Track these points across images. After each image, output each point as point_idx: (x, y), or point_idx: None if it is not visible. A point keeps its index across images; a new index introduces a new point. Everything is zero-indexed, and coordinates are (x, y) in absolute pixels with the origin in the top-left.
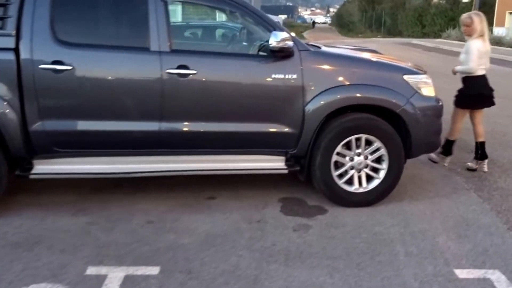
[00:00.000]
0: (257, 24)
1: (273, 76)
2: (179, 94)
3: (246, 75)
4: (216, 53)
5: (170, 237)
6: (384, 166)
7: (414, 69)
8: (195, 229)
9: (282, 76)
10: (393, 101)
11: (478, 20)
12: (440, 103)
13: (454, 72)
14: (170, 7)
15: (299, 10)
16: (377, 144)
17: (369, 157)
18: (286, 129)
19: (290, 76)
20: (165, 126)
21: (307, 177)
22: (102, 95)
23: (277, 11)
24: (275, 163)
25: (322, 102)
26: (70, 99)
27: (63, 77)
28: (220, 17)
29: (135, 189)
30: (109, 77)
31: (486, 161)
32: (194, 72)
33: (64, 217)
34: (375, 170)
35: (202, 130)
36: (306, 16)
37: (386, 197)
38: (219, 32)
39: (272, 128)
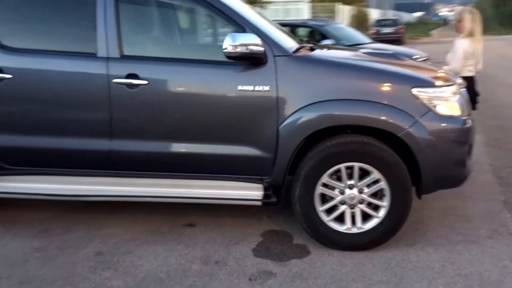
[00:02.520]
0: (225, 24)
1: (240, 87)
2: (129, 108)
3: (206, 87)
4: (173, 60)
5: (105, 275)
6: (384, 202)
7: (430, 80)
8: (139, 266)
9: (250, 87)
10: (393, 121)
11: (469, 18)
12: (466, 125)
13: None
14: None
15: (437, 7)
16: (374, 175)
17: (365, 190)
18: (257, 153)
19: (261, 88)
20: (115, 145)
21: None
22: (45, 108)
23: (412, 8)
24: (251, 192)
25: (301, 121)
26: (11, 112)
27: (3, 87)
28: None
29: (115, 207)
30: (53, 88)
31: None
32: (144, 82)
33: (19, 239)
34: (375, 207)
35: (156, 151)
36: (443, 14)
37: (387, 241)
38: (186, 33)
39: (240, 151)
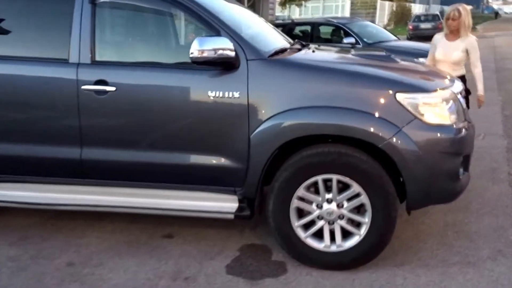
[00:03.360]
0: (198, 26)
1: (209, 93)
2: (98, 116)
3: (175, 93)
4: (142, 65)
5: None
6: (366, 218)
7: (417, 85)
8: (107, 280)
9: (220, 93)
10: (373, 131)
11: (467, 13)
12: (459, 134)
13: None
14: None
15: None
16: (354, 188)
17: (345, 205)
18: (229, 163)
19: (231, 94)
20: (86, 153)
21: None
22: (16, 116)
23: (459, 1)
24: (225, 204)
25: (273, 130)
26: None
27: None
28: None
29: (98, 215)
30: (24, 94)
31: None
32: (113, 89)
33: None
34: (357, 223)
35: (126, 160)
36: (496, 6)
37: (371, 260)
38: (159, 37)
39: (212, 161)
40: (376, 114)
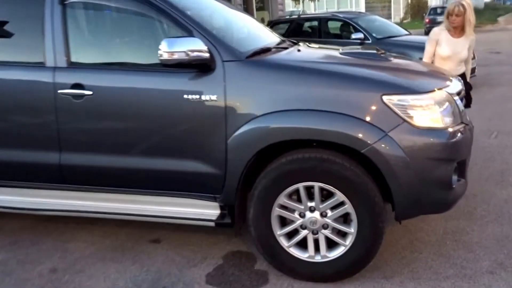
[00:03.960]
0: (171, 27)
1: (185, 97)
2: (75, 120)
3: (151, 96)
4: (118, 68)
5: None
6: (351, 229)
7: (407, 86)
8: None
9: (196, 97)
10: (355, 135)
11: (469, 8)
12: (453, 139)
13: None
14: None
15: None
16: (338, 197)
17: (329, 214)
18: (207, 169)
19: (207, 97)
20: (65, 159)
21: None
22: None
23: None
24: (207, 211)
25: (250, 134)
26: None
27: None
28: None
29: (89, 218)
30: (3, 100)
31: None
32: (89, 93)
33: None
34: (343, 233)
35: (104, 165)
36: None
37: (357, 272)
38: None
39: (190, 167)
40: (360, 118)
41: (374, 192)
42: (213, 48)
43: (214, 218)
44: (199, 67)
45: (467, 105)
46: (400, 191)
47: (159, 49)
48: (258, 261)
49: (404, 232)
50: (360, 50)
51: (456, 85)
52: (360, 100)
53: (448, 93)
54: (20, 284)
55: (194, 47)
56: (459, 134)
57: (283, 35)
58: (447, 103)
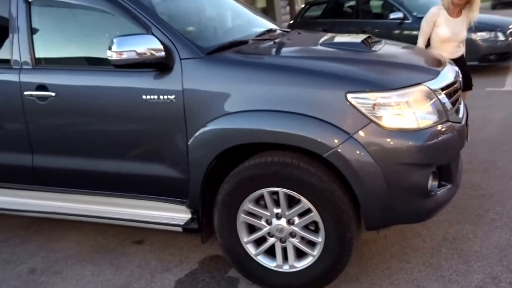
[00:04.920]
0: (130, 24)
1: (144, 97)
2: (42, 122)
3: (111, 97)
4: (80, 69)
5: None
6: (319, 238)
7: (376, 82)
8: None
9: (154, 97)
10: (316, 138)
11: None
12: (431, 140)
13: None
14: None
15: None
16: (304, 204)
17: (296, 221)
18: (171, 173)
19: (165, 98)
20: (37, 160)
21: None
22: None
23: None
24: (178, 215)
25: (208, 137)
26: None
27: None
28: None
29: None
30: None
31: None
32: (52, 94)
33: None
34: (312, 242)
35: (73, 168)
36: None
37: (326, 285)
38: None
39: (154, 170)
40: (322, 119)
41: (341, 200)
42: (172, 45)
43: (182, 223)
44: (157, 66)
45: (468, 87)
46: (367, 199)
47: (108, 49)
48: (233, 268)
49: (398, 238)
50: (343, 40)
51: (445, 78)
52: (322, 99)
53: (430, 88)
54: None
55: (146, 45)
56: (439, 135)
57: (318, 16)
58: (426, 100)
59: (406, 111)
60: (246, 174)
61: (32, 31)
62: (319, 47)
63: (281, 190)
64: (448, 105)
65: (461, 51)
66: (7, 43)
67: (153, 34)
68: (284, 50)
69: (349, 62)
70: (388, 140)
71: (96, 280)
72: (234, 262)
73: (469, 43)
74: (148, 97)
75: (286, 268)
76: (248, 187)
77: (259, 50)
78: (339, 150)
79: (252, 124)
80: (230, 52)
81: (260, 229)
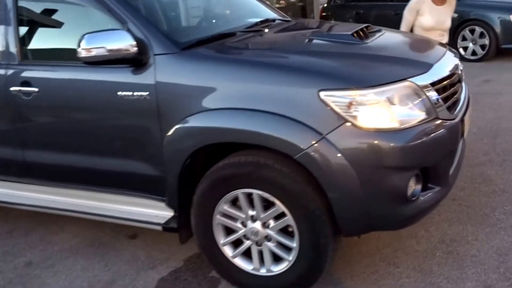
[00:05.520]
0: (108, 18)
1: (119, 94)
2: (28, 118)
3: (88, 93)
4: (60, 65)
5: None
6: (294, 243)
7: (350, 78)
8: (45, 285)
9: (129, 94)
10: (287, 139)
11: None
12: (411, 142)
13: None
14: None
15: None
16: (278, 207)
17: (271, 224)
18: (148, 170)
19: (139, 95)
20: (28, 155)
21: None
22: None
23: None
24: (161, 212)
25: (180, 136)
26: None
27: None
28: None
29: None
30: None
31: None
32: (35, 90)
33: None
34: (286, 247)
35: (59, 163)
36: None
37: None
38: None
39: (132, 167)
40: (295, 118)
41: (315, 204)
42: (147, 40)
43: (163, 221)
44: (131, 62)
45: None
46: (341, 204)
47: (78, 46)
48: None
49: (392, 239)
50: (333, 32)
51: (438, 71)
52: (295, 97)
53: (417, 84)
54: None
55: (117, 41)
56: (424, 136)
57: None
58: (410, 97)
59: (385, 110)
60: (220, 175)
61: (18, 26)
62: (305, 40)
63: (255, 192)
64: (439, 101)
65: (444, 40)
66: None
67: (129, 28)
68: (267, 44)
69: (328, 57)
70: (364, 141)
71: (85, 275)
72: (212, 263)
73: (505, 25)
74: (123, 93)
75: (263, 271)
76: (222, 188)
77: (239, 44)
78: (311, 152)
79: (222, 123)
80: (206, 47)
81: (236, 231)
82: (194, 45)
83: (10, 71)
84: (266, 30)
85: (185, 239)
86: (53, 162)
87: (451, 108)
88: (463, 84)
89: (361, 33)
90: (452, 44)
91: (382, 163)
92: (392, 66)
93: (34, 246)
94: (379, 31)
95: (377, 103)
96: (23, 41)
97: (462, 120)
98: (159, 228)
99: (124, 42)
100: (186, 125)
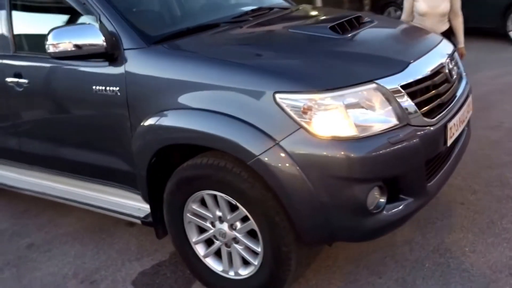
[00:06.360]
0: (82, 12)
1: (94, 88)
2: (22, 108)
3: (68, 87)
4: (46, 57)
5: (4, 275)
6: (259, 248)
7: (306, 80)
8: (37, 270)
9: (102, 88)
10: (240, 143)
11: None
12: (373, 152)
13: None
14: None
15: None
16: (241, 210)
17: (238, 227)
18: (123, 165)
19: (111, 90)
20: (23, 143)
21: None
22: None
23: None
24: (143, 205)
25: (146, 133)
26: None
27: None
28: None
29: None
30: None
31: None
32: (26, 81)
33: None
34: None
35: (49, 154)
36: None
37: None
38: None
39: (110, 161)
40: (250, 122)
41: (275, 211)
42: (117, 34)
43: (143, 215)
44: (103, 57)
45: None
46: (296, 213)
47: (45, 40)
48: None
49: (385, 243)
50: (313, 25)
51: (416, 71)
52: (251, 99)
53: (384, 86)
54: None
55: (85, 36)
56: (388, 145)
57: None
58: (375, 102)
59: (343, 116)
60: (184, 175)
61: (12, 17)
62: (280, 34)
63: (218, 194)
64: (412, 106)
65: (444, 26)
66: None
67: (101, 22)
68: (238, 39)
69: (292, 55)
70: (319, 150)
71: (75, 262)
72: (184, 261)
73: None
74: (97, 88)
75: (231, 274)
76: (187, 188)
77: (211, 38)
78: (264, 158)
79: (178, 123)
80: (176, 42)
81: (207, 230)
82: (167, 39)
83: (6, 62)
84: (251, 22)
85: (162, 235)
86: (44, 152)
87: (432, 112)
88: (463, 80)
89: (346, 25)
90: (501, 28)
91: (338, 174)
92: (359, 66)
93: (41, 227)
94: (370, 22)
95: (335, 109)
96: (16, 32)
97: (445, 125)
98: (139, 222)
99: (92, 37)
100: (148, 123)
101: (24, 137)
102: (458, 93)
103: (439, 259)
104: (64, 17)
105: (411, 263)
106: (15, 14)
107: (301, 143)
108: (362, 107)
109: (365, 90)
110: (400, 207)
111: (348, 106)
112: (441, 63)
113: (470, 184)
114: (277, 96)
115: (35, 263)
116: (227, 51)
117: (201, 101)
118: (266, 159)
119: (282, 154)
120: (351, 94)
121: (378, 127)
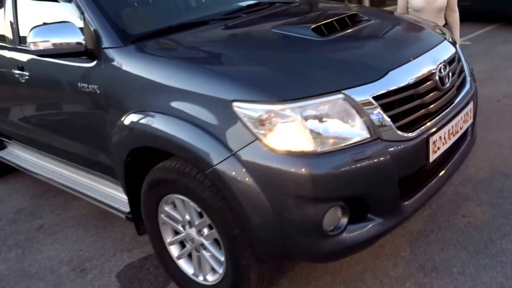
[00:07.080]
0: (74, 8)
1: (79, 85)
2: (25, 99)
3: (60, 83)
4: None
5: (11, 255)
6: (222, 257)
7: (264, 89)
8: (39, 252)
9: (85, 85)
10: (197, 152)
11: None
12: (334, 170)
13: None
14: None
15: None
16: (206, 218)
17: (205, 233)
18: (106, 160)
19: (91, 88)
20: (32, 131)
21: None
22: None
23: None
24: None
25: (120, 133)
26: None
27: None
28: None
29: None
30: None
31: None
32: (27, 74)
33: (17, 199)
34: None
35: (50, 144)
36: None
37: None
38: None
39: (96, 155)
40: (209, 130)
41: (234, 223)
42: (98, 32)
43: (128, 210)
44: (85, 55)
45: None
46: (250, 228)
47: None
48: None
49: (370, 255)
50: (295, 26)
51: (394, 80)
52: (212, 106)
53: (351, 97)
54: (8, 236)
55: (64, 35)
56: (350, 163)
57: None
58: (338, 114)
59: (301, 130)
60: (154, 178)
61: (17, 10)
62: (263, 34)
63: (185, 198)
64: (384, 119)
65: (440, 22)
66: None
67: (85, 19)
68: (218, 39)
69: (260, 60)
70: (273, 163)
71: (73, 248)
72: (159, 260)
73: None
74: (81, 85)
75: (200, 279)
76: (158, 190)
77: (188, 38)
78: (219, 169)
79: (145, 127)
80: (153, 41)
81: (180, 233)
82: (145, 38)
83: (13, 55)
84: (237, 20)
85: (143, 231)
86: (48, 142)
87: (413, 125)
88: (465, 85)
89: (336, 25)
90: None
91: (292, 192)
92: (329, 74)
93: (54, 209)
94: (366, 20)
95: (293, 121)
96: (21, 25)
97: (427, 139)
98: (123, 216)
99: (71, 36)
100: (120, 124)
101: (31, 125)
102: (456, 100)
103: (423, 279)
104: (64, 12)
105: (391, 280)
106: (20, 6)
107: (256, 156)
108: (325, 120)
109: (331, 101)
110: (366, 229)
111: (308, 118)
112: (431, 70)
113: (479, 194)
114: (234, 104)
115: (39, 245)
116: (197, 53)
117: (166, 104)
118: (222, 169)
119: (238, 166)
120: (313, 106)
121: (341, 142)
